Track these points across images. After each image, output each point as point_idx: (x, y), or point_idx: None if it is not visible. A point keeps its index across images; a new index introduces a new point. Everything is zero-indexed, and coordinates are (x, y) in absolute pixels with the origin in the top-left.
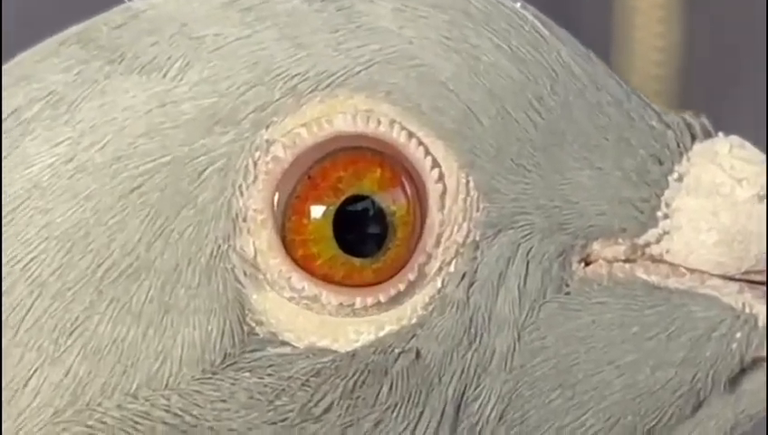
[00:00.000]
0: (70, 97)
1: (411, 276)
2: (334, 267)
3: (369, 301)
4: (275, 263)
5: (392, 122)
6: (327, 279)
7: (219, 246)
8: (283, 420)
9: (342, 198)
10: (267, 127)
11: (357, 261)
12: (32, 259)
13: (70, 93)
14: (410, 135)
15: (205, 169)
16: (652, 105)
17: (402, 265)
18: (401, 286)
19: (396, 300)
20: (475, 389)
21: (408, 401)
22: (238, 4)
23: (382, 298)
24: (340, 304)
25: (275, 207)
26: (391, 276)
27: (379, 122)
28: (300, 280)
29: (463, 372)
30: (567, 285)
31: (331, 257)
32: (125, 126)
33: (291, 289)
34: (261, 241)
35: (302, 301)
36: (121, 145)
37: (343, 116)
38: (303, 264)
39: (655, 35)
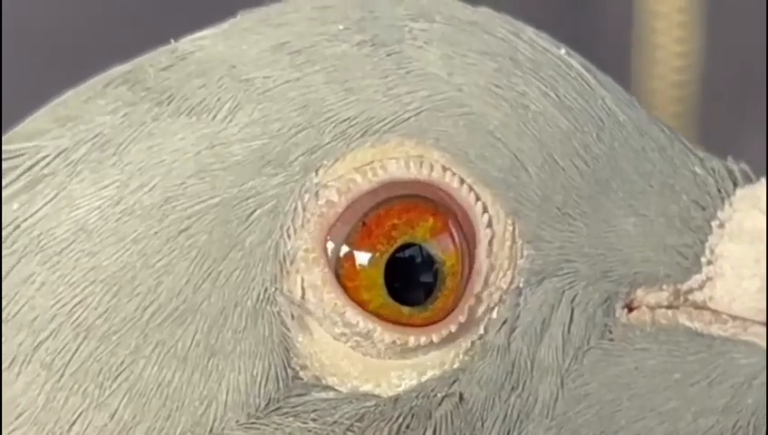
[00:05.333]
0: (117, 139)
1: (462, 318)
2: (383, 314)
3: (423, 340)
4: (330, 298)
5: (444, 169)
6: (379, 318)
7: (266, 289)
8: None
9: (395, 245)
10: (317, 170)
11: (405, 310)
12: (78, 302)
13: (117, 135)
14: (461, 181)
15: (253, 212)
16: (694, 150)
17: (449, 313)
18: (453, 328)
19: (446, 341)
20: (519, 434)
21: None
22: (288, 46)
23: (435, 338)
24: (393, 341)
25: (329, 252)
26: (440, 320)
27: (431, 168)
28: (355, 315)
29: (506, 417)
30: (610, 332)
31: (380, 305)
32: (173, 168)
33: (344, 324)
34: (314, 277)
35: (352, 338)
36: (170, 187)
37: (396, 162)
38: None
39: (676, 40)
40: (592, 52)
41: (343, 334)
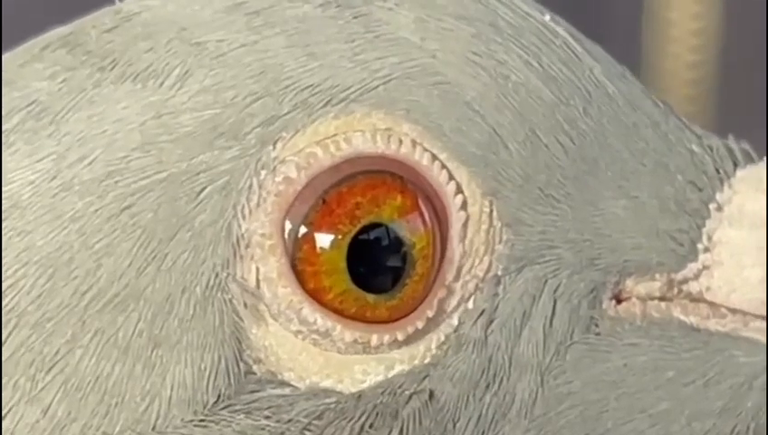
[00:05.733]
0: (55, 107)
1: (430, 313)
2: (345, 302)
3: (386, 338)
4: (285, 293)
5: (414, 143)
6: (339, 314)
7: (217, 275)
8: None
9: (358, 226)
10: (275, 143)
11: (370, 297)
12: (9, 286)
13: (55, 103)
14: (433, 157)
15: (204, 188)
16: (691, 127)
17: (419, 302)
18: (419, 324)
19: (413, 338)
20: None
21: None
22: (244, 7)
23: (399, 336)
24: (354, 340)
25: (286, 233)
26: (407, 314)
27: (400, 142)
28: (312, 312)
29: (480, 417)
30: (596, 325)
31: (343, 292)
32: (116, 139)
33: (300, 322)
34: (269, 268)
35: (309, 335)
36: (112, 160)
37: (362, 135)
38: (314, 297)
39: (692, 16)
40: (599, 27)
41: (300, 332)
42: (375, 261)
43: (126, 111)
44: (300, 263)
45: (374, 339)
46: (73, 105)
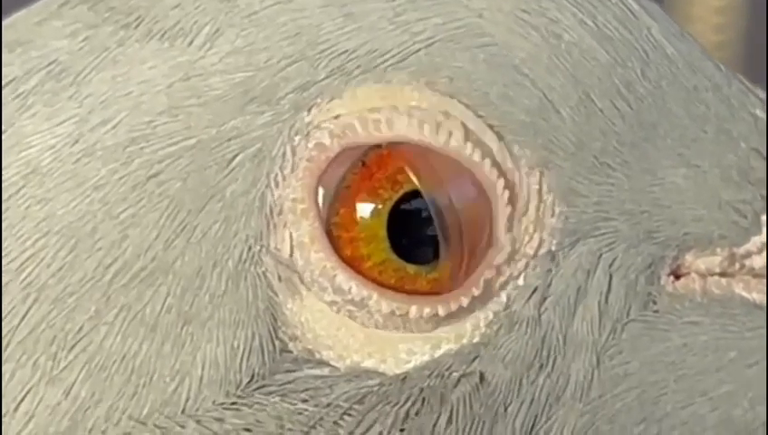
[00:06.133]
0: (76, 67)
1: (476, 291)
2: (385, 273)
3: (426, 311)
4: (318, 258)
5: (466, 137)
6: (378, 284)
7: (250, 247)
8: None
9: (401, 192)
10: (310, 109)
11: (411, 268)
12: (28, 258)
13: (76, 63)
14: (483, 154)
15: (235, 156)
16: (755, 90)
17: (464, 278)
18: (464, 301)
19: (455, 316)
20: (547, 421)
21: (470, 433)
22: None
23: (441, 311)
24: (392, 311)
25: (320, 199)
26: (451, 289)
27: (450, 135)
28: (347, 279)
29: (533, 400)
30: (654, 302)
31: (382, 261)
32: (142, 102)
33: (334, 290)
34: (301, 233)
35: (345, 307)
36: (137, 125)
37: (408, 120)
38: (350, 265)
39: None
40: None
41: (334, 302)
42: (417, 230)
43: (152, 71)
44: (336, 228)
45: (413, 310)
46: (96, 65)
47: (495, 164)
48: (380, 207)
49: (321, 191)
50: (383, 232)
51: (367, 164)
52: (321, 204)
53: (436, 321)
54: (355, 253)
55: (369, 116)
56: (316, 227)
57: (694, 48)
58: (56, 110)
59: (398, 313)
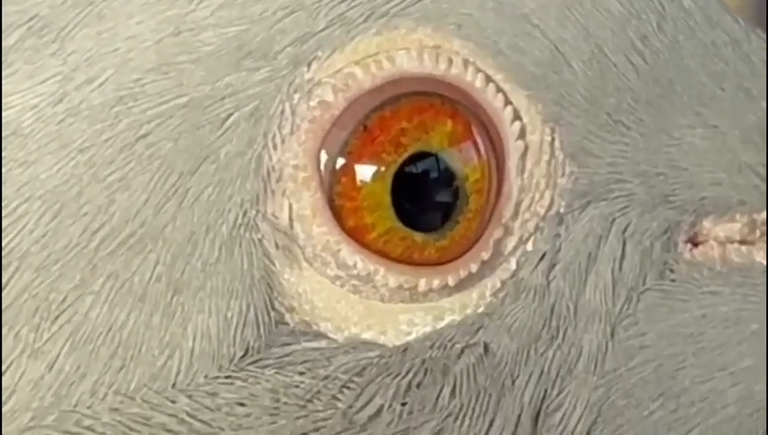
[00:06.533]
0: (58, 23)
1: (485, 255)
2: (390, 243)
3: (436, 284)
4: (321, 232)
5: (466, 63)
6: (382, 255)
7: (245, 212)
8: (316, 430)
9: (405, 155)
10: (309, 64)
11: (418, 236)
12: (9, 224)
13: (58, 18)
14: (488, 79)
15: (230, 115)
16: None
17: (472, 243)
18: (473, 267)
19: (465, 284)
20: (558, 395)
21: (475, 406)
22: None
23: (451, 281)
24: (400, 286)
25: (322, 165)
26: (458, 256)
27: (450, 62)
28: (351, 254)
29: (542, 373)
30: (672, 271)
31: (387, 230)
32: (130, 59)
33: (338, 265)
34: (302, 205)
35: (349, 281)
36: (125, 82)
37: (407, 53)
38: (354, 236)
39: None
40: None
41: (338, 277)
42: (423, 196)
43: (140, 26)
44: (338, 198)
45: (422, 284)
46: (80, 20)
47: (501, 91)
48: (384, 170)
49: (323, 157)
50: (387, 199)
51: (369, 127)
52: (322, 168)
53: (443, 291)
54: (359, 223)
55: (368, 60)
56: (318, 198)
57: (711, 0)
58: (38, 67)
59: (405, 286)
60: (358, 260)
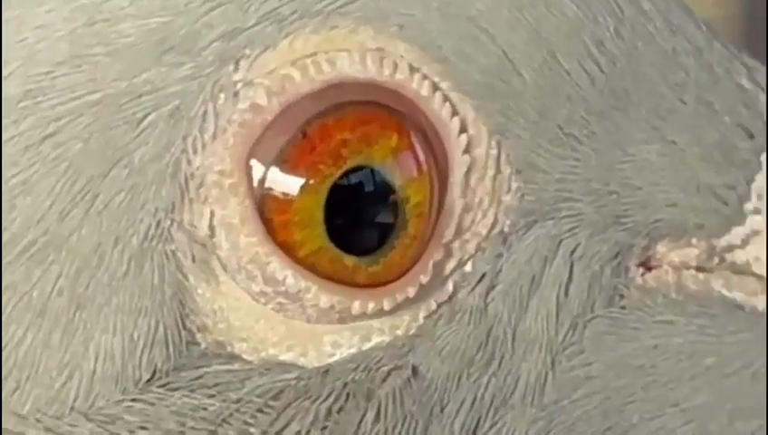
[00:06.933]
0: None
1: (424, 278)
2: (318, 264)
3: (371, 307)
4: (249, 243)
5: (412, 69)
6: (315, 273)
7: (159, 222)
8: None
9: (343, 168)
10: (237, 62)
11: (349, 260)
12: None
13: None
14: (434, 87)
15: (147, 115)
16: (741, 57)
17: (408, 267)
18: (411, 291)
19: (401, 307)
20: (492, 426)
21: (401, 433)
22: None
23: (386, 305)
24: (332, 306)
25: (255, 174)
26: (394, 278)
27: (395, 66)
28: (282, 268)
29: (475, 400)
30: (622, 296)
31: (317, 250)
32: (38, 50)
33: (265, 280)
34: (228, 212)
35: (275, 299)
36: (32, 76)
37: (348, 56)
38: (284, 251)
39: None
40: None
41: (263, 293)
42: (358, 213)
43: (50, 15)
44: (268, 210)
45: (356, 306)
46: None
47: (448, 100)
48: (319, 184)
49: (254, 164)
50: (320, 215)
51: (308, 135)
52: (255, 180)
53: (378, 314)
54: (288, 238)
55: (306, 61)
56: (247, 205)
57: (672, 4)
58: None
59: (337, 307)
60: (288, 275)
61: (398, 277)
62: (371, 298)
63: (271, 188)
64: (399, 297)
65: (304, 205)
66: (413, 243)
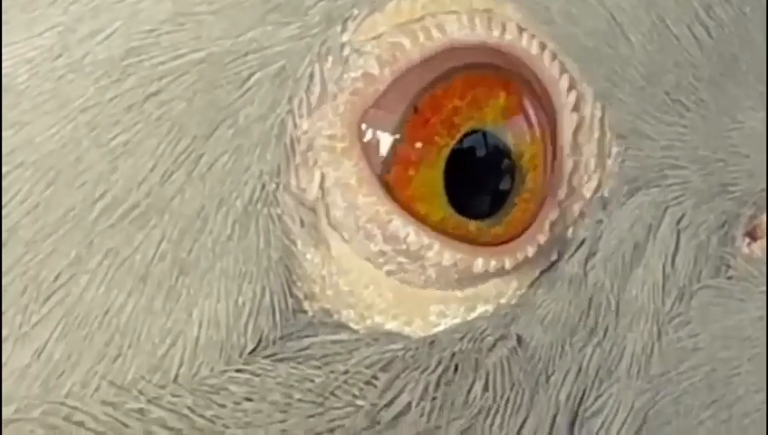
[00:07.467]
0: None
1: (541, 238)
2: (443, 231)
3: (493, 265)
4: (369, 202)
5: (520, 29)
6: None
7: (264, 185)
8: (332, 430)
9: (457, 136)
10: (345, 22)
11: (472, 225)
12: None
13: None
14: (542, 46)
15: (253, 74)
16: None
17: (528, 225)
18: (530, 250)
19: (519, 268)
20: (598, 398)
21: (508, 403)
22: None
23: (508, 264)
24: (454, 263)
25: (363, 139)
26: (514, 237)
27: (503, 28)
28: (404, 225)
29: (580, 371)
30: (729, 266)
31: (441, 219)
32: (141, 9)
33: (386, 238)
34: (343, 173)
35: (394, 259)
36: (135, 34)
37: (457, 18)
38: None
39: None
40: None
41: (382, 253)
42: (477, 178)
43: None
44: (390, 189)
45: (478, 264)
46: None
47: (556, 59)
48: (437, 155)
49: (366, 132)
50: (441, 186)
51: (419, 109)
52: (371, 151)
53: (495, 275)
54: (411, 212)
55: (415, 27)
56: (363, 167)
57: None
58: (35, 17)
59: (460, 265)
60: (411, 232)
61: (518, 237)
62: (493, 256)
63: (389, 166)
64: (520, 256)
65: (425, 178)
66: (532, 197)
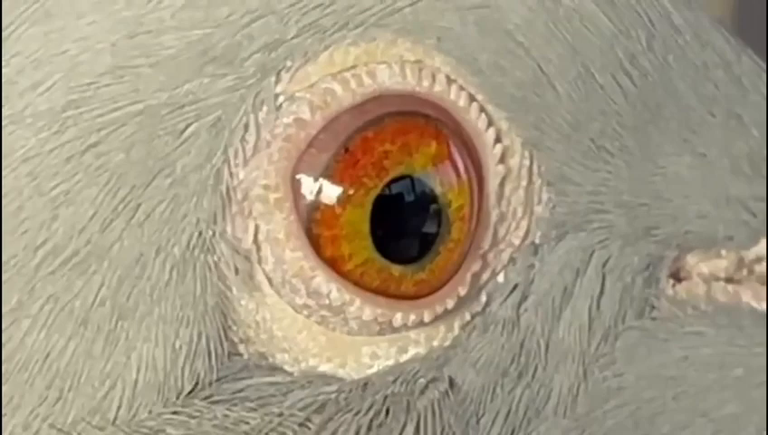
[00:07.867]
0: (3, 20)
1: (462, 290)
2: (367, 274)
3: (411, 319)
4: (294, 257)
5: (449, 80)
6: (359, 286)
7: (201, 232)
8: None
9: (386, 179)
10: (279, 73)
11: (396, 269)
12: None
13: (3, 15)
14: (470, 98)
15: (189, 125)
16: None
17: (450, 276)
18: (450, 303)
19: (440, 319)
20: None
21: None
22: None
23: (426, 317)
24: (375, 319)
25: (296, 189)
26: (435, 289)
27: (433, 79)
28: (327, 282)
29: (509, 412)
30: (653, 308)
31: (365, 261)
32: (81, 62)
33: (309, 293)
34: (274, 227)
35: (318, 311)
36: (75, 87)
37: (389, 68)
38: (331, 266)
39: None
40: None
41: (306, 306)
42: (402, 222)
43: (92, 27)
44: (316, 226)
45: (397, 318)
46: (26, 18)
47: (484, 111)
48: (364, 196)
49: (301, 179)
50: (366, 227)
51: (350, 150)
52: (301, 195)
53: (417, 327)
54: (336, 253)
55: (347, 75)
56: (293, 220)
57: (702, 17)
58: None
59: (380, 320)
60: (333, 289)
61: (441, 286)
62: (412, 310)
63: (318, 204)
64: (439, 309)
65: (351, 218)
66: (456, 247)
